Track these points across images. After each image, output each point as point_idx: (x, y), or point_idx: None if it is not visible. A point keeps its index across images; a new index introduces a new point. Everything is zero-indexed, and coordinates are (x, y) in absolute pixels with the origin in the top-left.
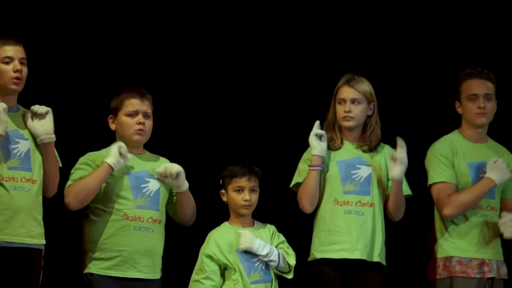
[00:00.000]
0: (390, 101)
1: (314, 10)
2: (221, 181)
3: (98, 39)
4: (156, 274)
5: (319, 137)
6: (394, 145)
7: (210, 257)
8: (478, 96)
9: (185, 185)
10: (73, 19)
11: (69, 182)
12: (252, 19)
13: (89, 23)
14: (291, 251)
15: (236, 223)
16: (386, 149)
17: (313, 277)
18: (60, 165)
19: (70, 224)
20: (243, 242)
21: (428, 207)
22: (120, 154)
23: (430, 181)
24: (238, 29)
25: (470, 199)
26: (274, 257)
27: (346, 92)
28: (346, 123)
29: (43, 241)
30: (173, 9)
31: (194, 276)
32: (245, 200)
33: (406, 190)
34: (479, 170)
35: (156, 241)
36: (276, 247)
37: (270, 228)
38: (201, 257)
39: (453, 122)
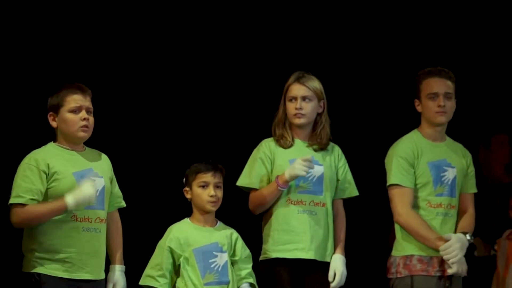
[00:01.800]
0: (348, 100)
1: (266, 8)
2: (184, 179)
3: (29, 36)
4: (102, 275)
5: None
6: (349, 145)
7: (168, 250)
8: (438, 95)
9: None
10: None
11: (14, 198)
12: (205, 17)
13: (20, 20)
14: (250, 268)
15: (198, 221)
16: (336, 149)
17: (264, 277)
18: None
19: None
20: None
21: (387, 206)
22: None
23: (388, 182)
24: (197, 25)
25: (414, 233)
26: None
27: (297, 90)
28: (297, 120)
29: None
30: (113, 3)
31: (148, 271)
32: (211, 196)
33: (354, 191)
34: (439, 169)
35: (102, 241)
36: (238, 260)
37: (234, 234)
38: (159, 251)
39: (410, 120)
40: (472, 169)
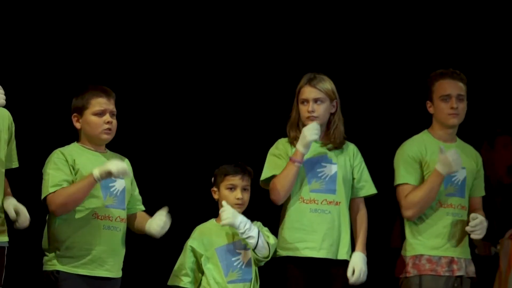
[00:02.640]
0: (359, 100)
1: (279, 10)
2: (212, 179)
3: (55, 37)
4: (119, 273)
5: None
6: (359, 143)
7: (189, 249)
8: (451, 97)
9: None
10: (27, 17)
11: (51, 188)
12: (223, 20)
13: (46, 21)
14: (271, 234)
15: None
16: (351, 147)
17: (276, 274)
18: (17, 165)
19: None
20: (225, 218)
21: (394, 206)
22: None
23: (395, 182)
24: (219, 30)
25: (423, 196)
26: (253, 233)
27: (308, 92)
28: (310, 123)
29: (6, 239)
30: (136, 6)
31: (175, 270)
32: (238, 199)
33: (371, 189)
34: None
35: (121, 240)
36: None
37: (256, 224)
38: (184, 249)
39: (422, 122)
40: (482, 171)
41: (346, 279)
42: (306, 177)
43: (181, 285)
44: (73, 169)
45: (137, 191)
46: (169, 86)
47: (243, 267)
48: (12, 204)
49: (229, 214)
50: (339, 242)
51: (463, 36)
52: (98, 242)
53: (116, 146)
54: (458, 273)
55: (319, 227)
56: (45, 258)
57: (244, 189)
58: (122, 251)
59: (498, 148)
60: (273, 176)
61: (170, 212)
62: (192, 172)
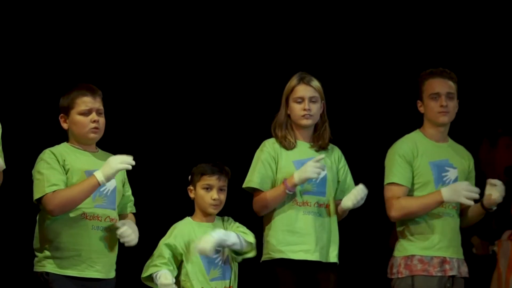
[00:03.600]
0: (349, 101)
1: (265, 10)
2: (189, 177)
3: (42, 37)
4: (111, 274)
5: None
6: (347, 146)
7: (169, 246)
8: (440, 95)
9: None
10: (11, 17)
11: (48, 188)
12: (207, 20)
13: (31, 21)
14: (247, 231)
15: (199, 219)
16: (336, 150)
17: (266, 277)
18: (4, 167)
19: (18, 223)
20: (199, 250)
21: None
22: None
23: (385, 181)
24: (201, 29)
25: (416, 208)
26: (234, 239)
27: (304, 91)
28: (305, 122)
29: None
30: (127, 4)
31: (149, 262)
32: (214, 199)
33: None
34: (441, 169)
35: (112, 240)
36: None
37: (228, 221)
38: (160, 246)
39: (413, 121)
40: (473, 172)
41: (336, 282)
42: None
43: (155, 271)
44: (64, 168)
45: (129, 192)
46: (157, 86)
47: (223, 264)
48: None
49: (202, 246)
50: (329, 244)
51: (464, 36)
52: (87, 242)
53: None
54: (450, 273)
55: (312, 230)
56: (36, 259)
57: (220, 189)
58: (114, 252)
59: (501, 148)
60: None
61: (146, 210)
62: (170, 170)
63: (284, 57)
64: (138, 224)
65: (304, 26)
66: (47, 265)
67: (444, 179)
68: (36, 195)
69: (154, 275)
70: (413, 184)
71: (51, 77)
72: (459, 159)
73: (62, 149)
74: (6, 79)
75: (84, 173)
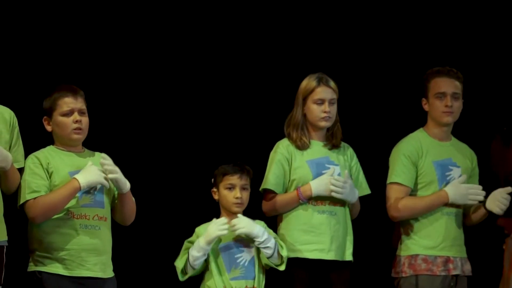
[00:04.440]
0: (353, 99)
1: (274, 12)
2: (212, 180)
3: (27, 37)
4: (106, 273)
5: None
6: (356, 142)
7: (187, 242)
8: (446, 95)
9: (127, 187)
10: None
11: (28, 195)
12: (219, 19)
13: (19, 20)
14: (283, 244)
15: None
16: (347, 148)
17: (282, 276)
18: (22, 165)
19: (19, 223)
20: (242, 227)
21: None
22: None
23: (388, 180)
24: (220, 28)
25: (421, 209)
26: (271, 244)
27: (325, 93)
28: (324, 123)
29: (5, 238)
30: (125, 3)
31: (177, 262)
32: (237, 198)
33: (366, 189)
34: (444, 168)
35: (103, 238)
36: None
37: (260, 223)
38: (187, 245)
39: (417, 120)
40: (477, 170)
41: (349, 280)
42: (312, 179)
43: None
44: (47, 172)
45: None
46: (169, 86)
47: (246, 264)
48: None
49: (245, 223)
50: (344, 243)
51: (470, 32)
52: (75, 241)
53: (120, 148)
54: (454, 272)
55: (327, 229)
56: (29, 259)
57: (243, 188)
58: (106, 250)
59: None
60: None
61: (169, 213)
62: (191, 173)
63: (291, 58)
64: (163, 227)
65: (311, 27)
66: (40, 265)
67: (448, 178)
68: (19, 202)
69: (188, 263)
70: (416, 183)
71: (42, 80)
72: (462, 157)
73: (47, 152)
74: (23, 79)
75: (68, 174)
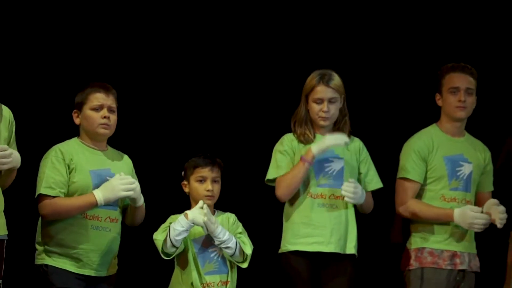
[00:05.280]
0: (366, 93)
1: (281, 4)
2: (183, 172)
3: (61, 34)
4: (110, 271)
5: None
6: (366, 137)
7: (168, 222)
8: (459, 90)
9: (141, 201)
10: (33, 14)
11: (44, 189)
12: (215, 13)
13: (52, 18)
14: (247, 240)
15: None
16: (357, 142)
17: (283, 269)
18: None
19: (24, 216)
20: (208, 217)
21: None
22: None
23: (398, 175)
24: (201, 21)
25: (425, 217)
26: (231, 244)
27: (324, 92)
28: (323, 122)
29: (6, 232)
30: (132, 3)
31: (156, 235)
32: (208, 190)
33: (378, 183)
34: (455, 164)
35: (112, 240)
36: (234, 236)
37: (230, 217)
38: (163, 227)
39: (430, 115)
40: (490, 166)
41: (353, 273)
42: (314, 172)
43: (164, 236)
44: (69, 168)
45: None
46: (166, 84)
47: (219, 259)
48: None
49: (212, 218)
50: (346, 236)
51: (483, 30)
52: (85, 241)
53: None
54: (460, 267)
55: (327, 222)
56: (36, 252)
57: (214, 181)
58: (113, 251)
59: None
60: (277, 174)
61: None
62: (164, 165)
63: (301, 51)
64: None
65: (321, 20)
66: (47, 258)
67: (458, 173)
68: (36, 193)
69: (168, 237)
70: (426, 178)
71: (64, 76)
72: (475, 153)
73: (72, 145)
74: (19, 77)
75: (89, 172)
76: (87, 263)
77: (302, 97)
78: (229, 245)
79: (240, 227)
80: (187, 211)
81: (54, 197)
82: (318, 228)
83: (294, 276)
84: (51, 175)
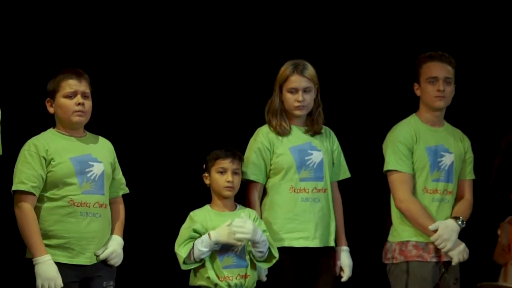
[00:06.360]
0: (345, 83)
1: None
2: (204, 165)
3: (34, 21)
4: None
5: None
6: (346, 128)
7: (193, 230)
8: (438, 79)
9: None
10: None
11: (16, 185)
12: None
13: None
14: (274, 243)
15: (218, 206)
16: (328, 131)
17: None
18: (0, 152)
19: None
20: (247, 233)
21: (384, 192)
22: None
23: (386, 167)
24: (198, 17)
25: (414, 223)
26: (264, 249)
27: (298, 81)
28: (299, 112)
29: None
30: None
31: (177, 249)
32: (228, 182)
33: (346, 173)
34: (437, 154)
35: (103, 225)
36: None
37: (252, 213)
38: (182, 233)
39: (408, 105)
40: (470, 155)
41: (333, 265)
42: (295, 166)
43: (189, 248)
44: (45, 160)
45: (120, 174)
46: (158, 75)
47: (237, 252)
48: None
49: (250, 229)
50: (328, 229)
51: (460, 18)
52: (76, 229)
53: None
54: (446, 259)
55: (311, 216)
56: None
57: (234, 173)
58: (106, 236)
59: None
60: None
61: (159, 198)
62: (181, 160)
63: (278, 40)
64: (156, 215)
65: (299, 10)
66: None
67: (440, 164)
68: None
69: (192, 255)
70: None
71: (41, 64)
72: (455, 143)
73: (47, 136)
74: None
75: (69, 160)
76: (80, 252)
77: (275, 87)
78: (261, 249)
79: (263, 225)
80: (211, 232)
81: (27, 192)
82: (303, 223)
83: (281, 272)
84: (23, 170)
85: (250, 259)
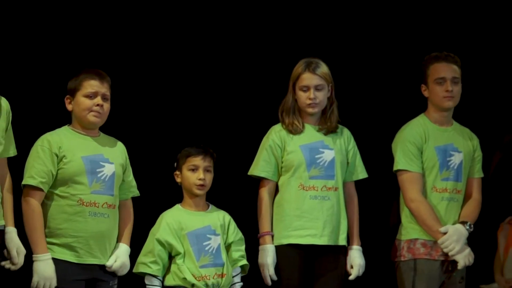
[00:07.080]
0: (354, 83)
1: None
2: (175, 163)
3: (55, 20)
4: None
5: None
6: (355, 128)
7: (160, 242)
8: (445, 80)
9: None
10: (26, 3)
11: (26, 179)
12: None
13: (45, 8)
14: (243, 250)
15: (189, 206)
16: (345, 132)
17: (278, 262)
18: (16, 153)
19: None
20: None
21: (392, 190)
22: None
23: (396, 167)
24: (192, 12)
25: (422, 224)
26: (237, 279)
27: (310, 79)
28: (311, 110)
29: (3, 222)
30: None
31: (141, 258)
32: (200, 179)
33: (363, 173)
34: (446, 153)
35: (111, 226)
36: (231, 243)
37: (226, 217)
38: (151, 239)
39: (417, 105)
40: (479, 153)
41: (345, 265)
42: (305, 164)
43: (149, 272)
44: (57, 156)
45: (131, 176)
46: (162, 78)
47: (214, 251)
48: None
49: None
50: (338, 227)
51: (466, 19)
52: (84, 229)
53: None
54: (452, 258)
55: (319, 214)
56: None
57: (206, 170)
58: (113, 238)
59: None
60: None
61: (163, 199)
62: (157, 157)
63: (291, 40)
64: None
65: (310, 9)
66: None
67: (449, 163)
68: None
69: (145, 277)
70: None
71: (58, 64)
72: (464, 142)
73: (62, 133)
74: (13, 66)
75: (80, 158)
76: (87, 252)
77: (290, 86)
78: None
79: (240, 234)
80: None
81: (36, 187)
82: (311, 220)
83: (289, 269)
84: (34, 165)
85: (226, 259)
